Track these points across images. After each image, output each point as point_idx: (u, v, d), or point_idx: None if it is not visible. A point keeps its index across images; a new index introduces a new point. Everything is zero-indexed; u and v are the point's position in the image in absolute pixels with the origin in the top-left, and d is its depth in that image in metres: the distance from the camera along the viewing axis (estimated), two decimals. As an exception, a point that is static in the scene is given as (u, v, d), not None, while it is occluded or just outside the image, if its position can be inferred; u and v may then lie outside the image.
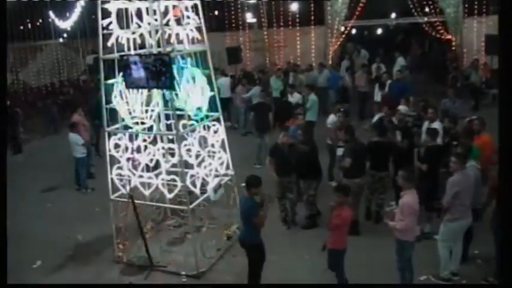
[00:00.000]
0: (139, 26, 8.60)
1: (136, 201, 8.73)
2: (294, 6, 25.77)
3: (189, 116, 8.65)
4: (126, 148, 8.89)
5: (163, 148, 9.39)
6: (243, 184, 10.01)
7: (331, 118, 11.99)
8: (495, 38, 17.64)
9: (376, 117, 12.10)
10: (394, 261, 7.49)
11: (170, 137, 9.20)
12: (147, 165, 9.16)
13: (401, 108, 11.50)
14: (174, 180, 8.68)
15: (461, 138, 9.36)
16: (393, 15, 28.62)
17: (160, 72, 7.73)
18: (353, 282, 7.45)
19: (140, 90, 8.35)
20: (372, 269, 8.12)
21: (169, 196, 8.94)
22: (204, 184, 8.78)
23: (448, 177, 7.74)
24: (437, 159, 9.15)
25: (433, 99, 13.12)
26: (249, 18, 27.13)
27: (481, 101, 18.49)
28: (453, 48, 22.67)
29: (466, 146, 8.76)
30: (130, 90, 8.37)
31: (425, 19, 23.55)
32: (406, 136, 10.29)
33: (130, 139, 8.88)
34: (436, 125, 10.31)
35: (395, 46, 26.30)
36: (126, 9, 8.51)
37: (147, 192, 8.99)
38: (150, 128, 8.92)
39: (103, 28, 8.45)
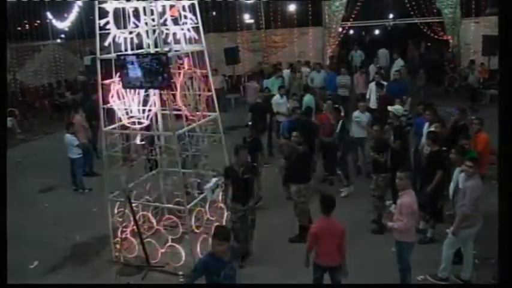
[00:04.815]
0: (137, 26, 8.57)
1: (133, 201, 8.71)
2: (292, 7, 25.79)
3: (186, 116, 8.62)
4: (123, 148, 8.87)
5: (160, 148, 9.37)
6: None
7: None
8: (492, 38, 17.70)
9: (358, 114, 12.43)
10: (395, 261, 7.48)
11: (167, 137, 9.16)
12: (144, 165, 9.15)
13: (390, 108, 11.47)
14: (172, 180, 8.65)
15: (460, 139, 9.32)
16: (391, 16, 28.69)
17: (157, 72, 7.69)
18: (353, 282, 7.43)
19: (137, 90, 8.33)
20: (371, 268, 8.10)
21: (166, 196, 8.91)
22: (201, 184, 8.76)
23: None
24: (440, 163, 9.06)
25: (430, 100, 13.12)
26: (247, 19, 27.15)
27: (478, 101, 18.51)
28: (450, 49, 22.69)
29: (464, 148, 8.73)
30: (127, 90, 8.35)
31: (423, 20, 23.60)
32: (398, 136, 10.28)
33: (128, 139, 8.85)
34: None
35: (393, 47, 26.27)
36: (124, 9, 8.49)
37: (144, 192, 8.98)
38: (148, 128, 8.89)
39: (100, 28, 8.43)
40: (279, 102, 14.36)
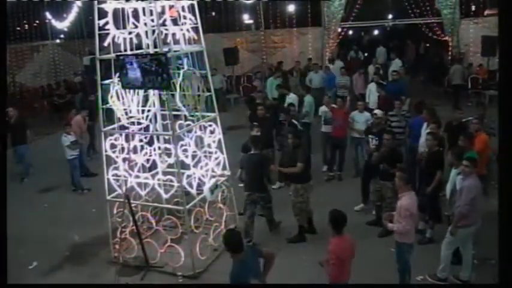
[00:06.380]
0: (136, 26, 8.56)
1: (132, 202, 8.70)
2: (291, 8, 25.80)
3: (185, 116, 8.62)
4: (123, 148, 8.86)
5: (159, 148, 9.36)
6: (241, 184, 10.06)
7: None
8: (491, 39, 17.71)
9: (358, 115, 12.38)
10: (394, 262, 7.49)
11: (166, 137, 9.15)
12: (143, 165, 9.13)
13: (378, 112, 11.49)
14: (171, 181, 8.64)
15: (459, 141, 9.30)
16: (390, 16, 28.72)
17: (156, 72, 7.68)
18: (353, 282, 7.42)
19: (136, 90, 8.32)
20: (371, 268, 8.09)
21: (165, 196, 8.90)
22: (200, 184, 8.76)
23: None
24: (439, 164, 9.05)
25: (429, 101, 13.12)
26: (246, 19, 27.16)
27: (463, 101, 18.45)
28: (450, 49, 22.71)
29: (465, 148, 8.72)
30: (127, 90, 8.34)
31: (422, 20, 23.62)
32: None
33: (127, 139, 8.85)
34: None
35: (391, 47, 26.31)
36: (123, 10, 8.49)
37: (143, 193, 8.96)
38: (147, 128, 8.89)
39: (99, 28, 8.42)
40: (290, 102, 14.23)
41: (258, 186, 9.31)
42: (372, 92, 15.27)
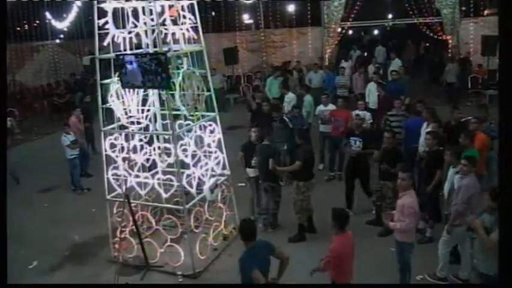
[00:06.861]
0: (136, 26, 8.56)
1: (132, 201, 8.70)
2: (291, 7, 25.81)
3: (185, 116, 8.61)
4: (122, 148, 8.86)
5: (159, 148, 9.36)
6: (240, 184, 10.06)
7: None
8: (491, 38, 17.69)
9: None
10: (395, 261, 7.48)
11: (166, 136, 9.15)
12: (143, 165, 9.13)
13: (360, 112, 11.47)
14: (170, 180, 8.63)
15: (460, 139, 9.29)
16: (390, 16, 28.72)
17: (156, 71, 7.68)
18: (353, 282, 7.43)
19: (136, 90, 8.32)
20: (370, 268, 8.09)
21: (165, 196, 8.89)
22: (200, 184, 8.76)
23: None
24: (439, 163, 9.04)
25: (429, 100, 13.09)
26: (246, 19, 27.15)
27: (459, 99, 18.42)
28: (450, 49, 22.70)
29: (466, 147, 8.72)
30: (126, 89, 8.34)
31: (422, 20, 23.62)
32: (368, 142, 10.26)
33: (127, 139, 8.84)
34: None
35: (391, 47, 26.28)
36: (122, 9, 8.48)
37: (143, 192, 8.96)
38: (146, 128, 8.89)
39: (99, 28, 8.42)
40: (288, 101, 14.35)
41: (269, 176, 9.62)
42: (372, 92, 15.22)
